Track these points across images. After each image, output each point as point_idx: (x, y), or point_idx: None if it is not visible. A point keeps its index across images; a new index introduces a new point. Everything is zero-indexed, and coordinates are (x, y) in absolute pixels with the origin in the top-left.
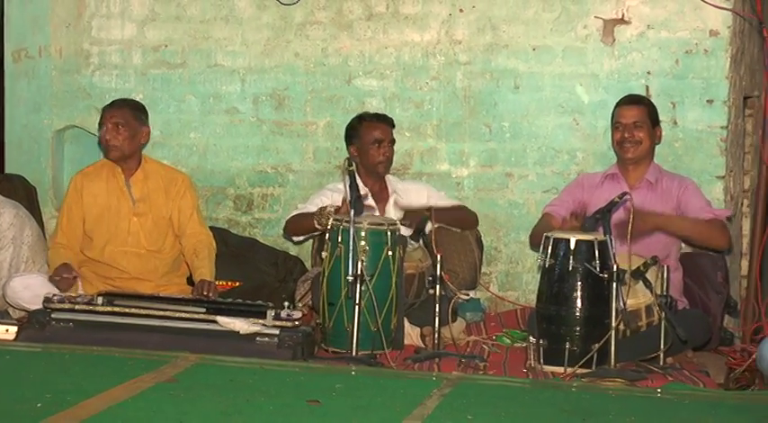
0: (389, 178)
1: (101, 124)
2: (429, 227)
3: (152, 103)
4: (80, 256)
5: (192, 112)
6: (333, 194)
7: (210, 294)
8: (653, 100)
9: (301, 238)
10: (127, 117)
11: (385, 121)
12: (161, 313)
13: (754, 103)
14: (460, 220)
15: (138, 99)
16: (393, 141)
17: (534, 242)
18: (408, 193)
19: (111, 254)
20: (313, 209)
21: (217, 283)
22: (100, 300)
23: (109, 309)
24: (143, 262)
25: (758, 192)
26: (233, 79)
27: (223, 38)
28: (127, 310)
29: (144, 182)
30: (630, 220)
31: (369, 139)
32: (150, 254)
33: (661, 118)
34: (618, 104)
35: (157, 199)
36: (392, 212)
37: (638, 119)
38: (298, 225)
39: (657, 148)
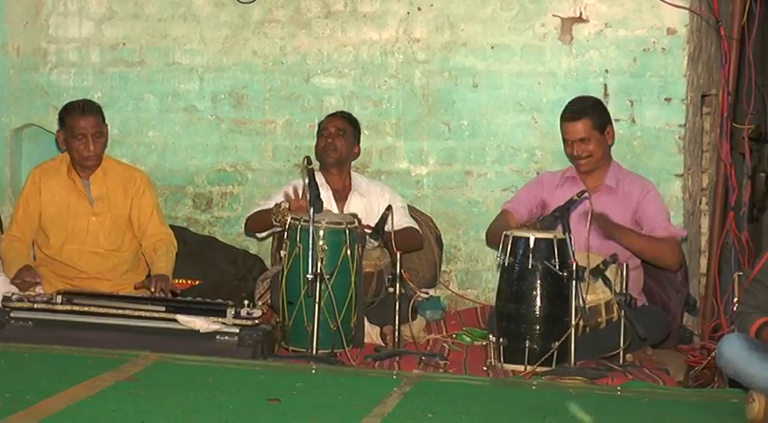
0: (356, 176)
1: (73, 134)
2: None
3: (110, 102)
4: (37, 253)
5: (151, 110)
6: (288, 189)
7: (162, 288)
8: (611, 98)
9: (264, 234)
10: (100, 124)
11: (336, 115)
12: (121, 312)
13: (711, 102)
14: (405, 241)
15: (95, 97)
16: (342, 132)
17: (491, 239)
18: (370, 193)
19: (68, 253)
20: (272, 205)
21: (176, 281)
22: (59, 298)
23: (68, 308)
24: (102, 261)
25: (716, 190)
26: (191, 77)
27: (181, 36)
28: (86, 309)
29: (103, 180)
30: (589, 218)
31: (320, 131)
32: (109, 253)
33: (619, 116)
34: (562, 118)
35: (116, 198)
36: (352, 210)
37: (583, 134)
38: (257, 222)
39: (616, 146)
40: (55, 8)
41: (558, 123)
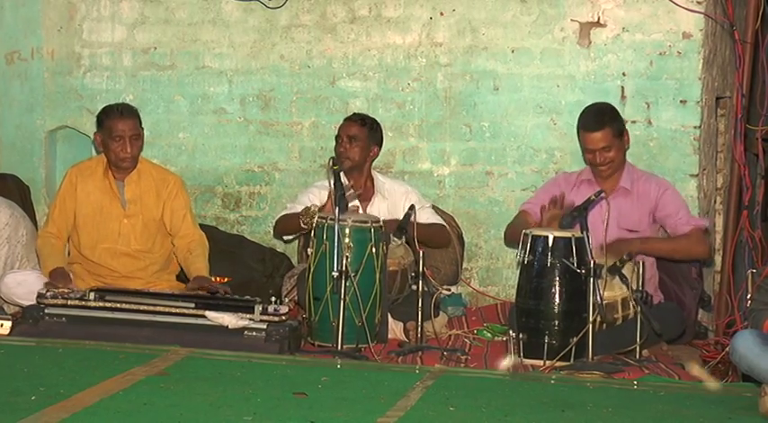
0: (378, 177)
1: (112, 135)
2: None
3: (142, 104)
4: (72, 251)
5: (181, 112)
6: (320, 192)
7: (208, 289)
8: (628, 100)
9: (290, 237)
10: (138, 127)
11: (350, 119)
12: (151, 308)
13: (726, 104)
14: (433, 237)
15: (128, 100)
16: (354, 139)
17: (509, 239)
18: (394, 193)
19: (101, 253)
20: (300, 208)
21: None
22: (92, 295)
23: (101, 304)
24: (133, 261)
25: (730, 189)
26: (220, 81)
27: (211, 40)
28: (118, 305)
29: (137, 183)
30: (606, 217)
31: (336, 135)
32: (140, 254)
33: (635, 118)
34: (582, 127)
35: (149, 200)
36: (376, 211)
37: (605, 143)
38: (285, 226)
39: (633, 147)
40: (88, 13)
41: (576, 125)
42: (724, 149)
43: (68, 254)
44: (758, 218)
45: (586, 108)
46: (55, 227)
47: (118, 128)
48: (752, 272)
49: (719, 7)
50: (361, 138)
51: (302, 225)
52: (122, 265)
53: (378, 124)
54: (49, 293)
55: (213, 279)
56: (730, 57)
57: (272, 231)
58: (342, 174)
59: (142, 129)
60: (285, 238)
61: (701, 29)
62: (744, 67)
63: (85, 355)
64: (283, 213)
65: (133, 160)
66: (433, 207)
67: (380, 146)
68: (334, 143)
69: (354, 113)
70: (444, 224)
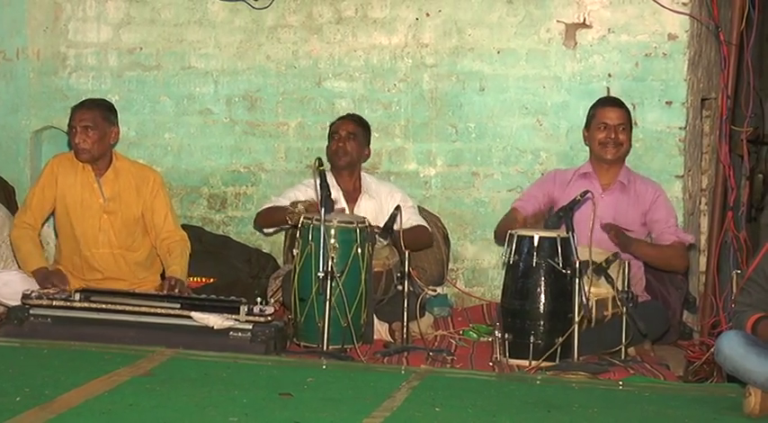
0: (366, 177)
1: (70, 126)
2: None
3: (127, 105)
4: (55, 253)
5: (167, 113)
6: (307, 190)
7: (178, 291)
8: None
9: (271, 230)
10: (96, 119)
11: (347, 118)
12: (137, 309)
13: (711, 105)
14: (416, 239)
15: (113, 100)
16: (353, 136)
17: (499, 236)
18: (380, 194)
19: (83, 251)
20: (286, 202)
21: (191, 279)
22: (77, 296)
23: (86, 305)
24: (115, 260)
25: (715, 190)
26: (206, 81)
27: (196, 41)
28: (103, 306)
29: (115, 181)
30: (593, 217)
31: (331, 134)
32: (122, 252)
33: None
34: (599, 105)
35: (128, 197)
36: (362, 212)
37: (622, 121)
38: (269, 217)
39: None
40: (74, 14)
41: (562, 125)
42: (709, 150)
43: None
44: (743, 219)
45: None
46: (31, 216)
47: (75, 117)
48: (736, 273)
49: (705, 9)
50: (358, 135)
51: (288, 220)
52: (105, 264)
53: (370, 128)
54: (34, 294)
55: (194, 280)
56: (715, 58)
57: (253, 226)
58: (329, 174)
59: (110, 124)
60: (266, 230)
61: (687, 30)
62: (729, 69)
63: (71, 355)
64: (268, 205)
65: (88, 153)
66: (418, 208)
67: (370, 149)
68: (320, 144)
69: (349, 113)
70: (426, 226)
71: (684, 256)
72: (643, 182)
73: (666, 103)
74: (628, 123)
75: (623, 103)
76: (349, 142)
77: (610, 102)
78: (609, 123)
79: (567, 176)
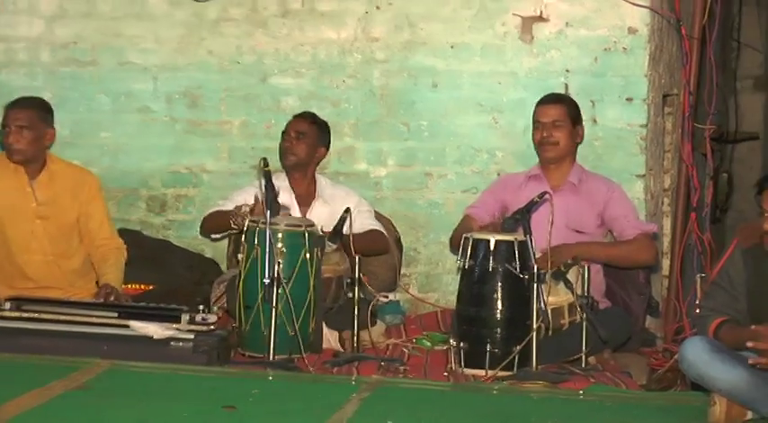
0: (321, 181)
1: (3, 125)
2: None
3: (61, 102)
4: None
5: (104, 111)
6: (257, 192)
7: (113, 299)
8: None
9: (218, 236)
10: (32, 119)
11: (301, 116)
12: (71, 318)
13: (673, 102)
14: (371, 244)
15: (47, 98)
16: (303, 135)
17: (455, 245)
18: (335, 199)
19: (16, 258)
20: (231, 206)
21: (129, 286)
22: (8, 305)
23: (17, 314)
24: (49, 268)
25: (678, 190)
26: (145, 77)
27: (135, 35)
28: (36, 315)
29: (48, 184)
30: (551, 219)
31: (283, 132)
32: (56, 259)
33: None
34: (538, 103)
35: (63, 202)
36: (315, 217)
37: (557, 118)
38: (214, 223)
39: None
40: (4, 6)
41: (519, 123)
42: (671, 149)
43: None
44: (707, 220)
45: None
46: None
47: (9, 116)
48: (700, 276)
49: (666, 2)
50: (309, 135)
51: (232, 225)
52: (38, 272)
53: (327, 127)
54: None
55: (132, 287)
56: (677, 53)
57: (199, 236)
58: (281, 176)
59: (45, 125)
60: (213, 236)
61: (647, 24)
62: (691, 64)
63: (1, 368)
64: (213, 210)
65: (21, 154)
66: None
67: (328, 149)
68: (265, 143)
69: (305, 111)
70: (382, 231)
71: (651, 247)
72: (596, 180)
73: (627, 99)
74: (567, 119)
75: (563, 99)
76: (297, 143)
77: (545, 99)
78: (543, 122)
79: (517, 180)
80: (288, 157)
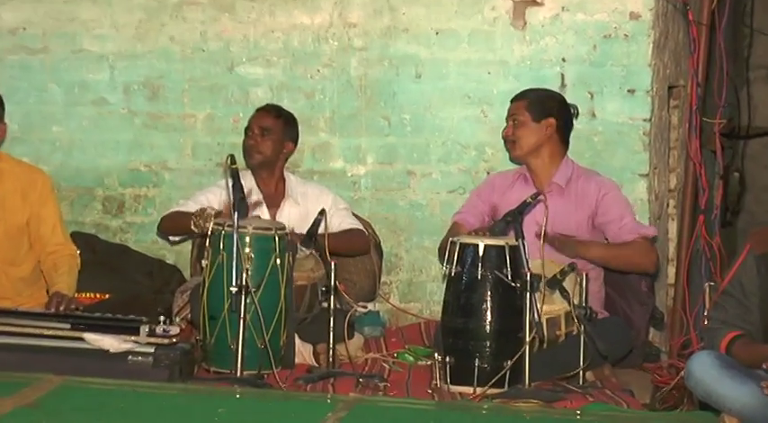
0: (291, 179)
1: None
2: (322, 230)
3: (9, 93)
4: None
5: (55, 102)
6: (221, 193)
7: (63, 309)
8: (568, 89)
9: (177, 238)
10: None
11: (264, 110)
12: (20, 330)
13: (679, 93)
14: (350, 244)
15: None
16: (268, 132)
17: (443, 255)
18: (307, 199)
19: None
20: (195, 207)
21: (82, 295)
22: None
23: None
24: None
25: (685, 191)
26: (101, 66)
27: (90, 20)
28: None
29: None
30: (544, 223)
31: (246, 128)
32: (4, 268)
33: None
34: None
35: (13, 204)
36: (286, 218)
37: (514, 113)
38: (174, 223)
39: (574, 142)
40: None
41: None
42: (677, 146)
43: None
44: (716, 223)
45: None
46: None
47: None
48: (709, 285)
49: None
50: (275, 131)
51: (193, 227)
52: None
53: (294, 119)
54: None
55: (86, 296)
56: (684, 40)
57: (160, 240)
58: (245, 175)
59: None
60: (171, 238)
61: (651, 8)
62: (699, 52)
63: None
64: (174, 209)
65: None
66: None
67: (296, 143)
68: (232, 138)
69: (268, 104)
70: (363, 229)
71: (651, 252)
72: (587, 179)
73: (628, 91)
74: (527, 112)
75: (526, 92)
76: (262, 140)
77: (515, 95)
78: (507, 120)
79: (506, 180)
80: (253, 155)
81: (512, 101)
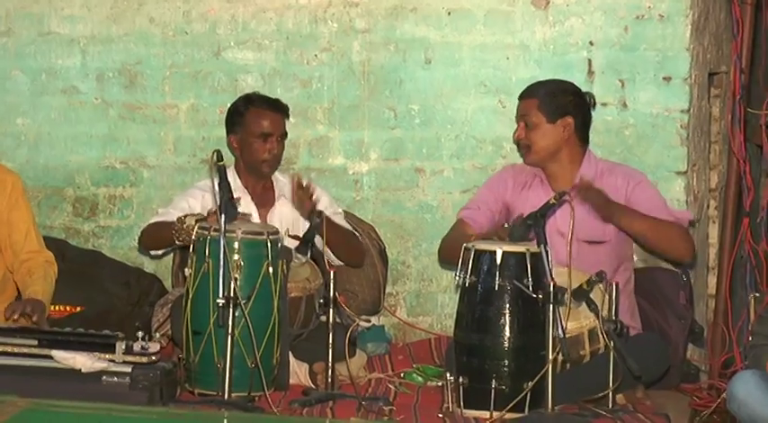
0: (279, 178)
1: None
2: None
3: None
4: None
5: (20, 92)
6: (204, 195)
7: (33, 314)
8: (596, 77)
9: (160, 252)
10: None
11: (278, 110)
12: None
13: (721, 81)
14: (346, 248)
15: None
16: (285, 135)
17: (445, 256)
18: None
19: None
20: (176, 215)
21: (52, 308)
22: None
23: None
24: None
25: (728, 191)
26: (72, 51)
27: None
28: None
29: None
30: (570, 228)
31: (255, 130)
32: None
33: (606, 99)
34: None
35: None
36: (278, 220)
37: (525, 113)
38: (154, 236)
39: (602, 136)
40: None
41: None
42: (719, 140)
43: None
44: (762, 227)
45: None
46: None
47: None
48: (754, 296)
49: None
50: (282, 132)
51: (176, 240)
52: None
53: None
54: None
55: (56, 309)
56: (726, 22)
57: (137, 245)
58: (230, 172)
59: None
60: (153, 252)
61: None
62: (743, 35)
63: None
64: (153, 220)
65: None
66: (346, 214)
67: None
68: (219, 132)
69: (277, 100)
70: (357, 234)
71: (687, 240)
72: (612, 173)
73: (664, 78)
74: (539, 113)
75: (535, 89)
76: (279, 145)
77: (523, 91)
78: (518, 121)
79: (524, 176)
80: (273, 165)
81: (520, 98)
